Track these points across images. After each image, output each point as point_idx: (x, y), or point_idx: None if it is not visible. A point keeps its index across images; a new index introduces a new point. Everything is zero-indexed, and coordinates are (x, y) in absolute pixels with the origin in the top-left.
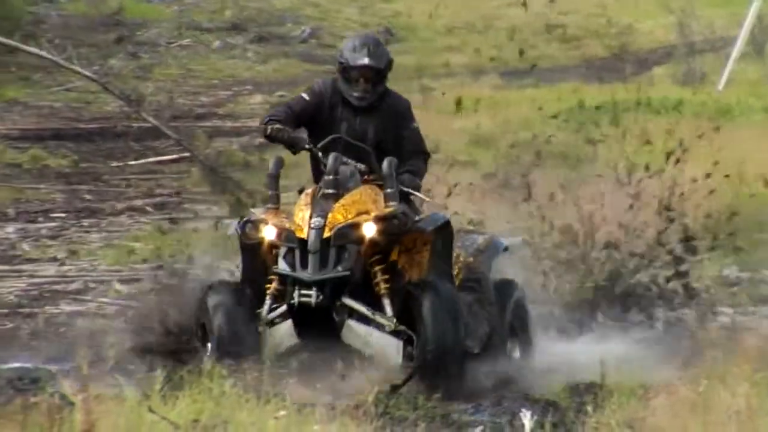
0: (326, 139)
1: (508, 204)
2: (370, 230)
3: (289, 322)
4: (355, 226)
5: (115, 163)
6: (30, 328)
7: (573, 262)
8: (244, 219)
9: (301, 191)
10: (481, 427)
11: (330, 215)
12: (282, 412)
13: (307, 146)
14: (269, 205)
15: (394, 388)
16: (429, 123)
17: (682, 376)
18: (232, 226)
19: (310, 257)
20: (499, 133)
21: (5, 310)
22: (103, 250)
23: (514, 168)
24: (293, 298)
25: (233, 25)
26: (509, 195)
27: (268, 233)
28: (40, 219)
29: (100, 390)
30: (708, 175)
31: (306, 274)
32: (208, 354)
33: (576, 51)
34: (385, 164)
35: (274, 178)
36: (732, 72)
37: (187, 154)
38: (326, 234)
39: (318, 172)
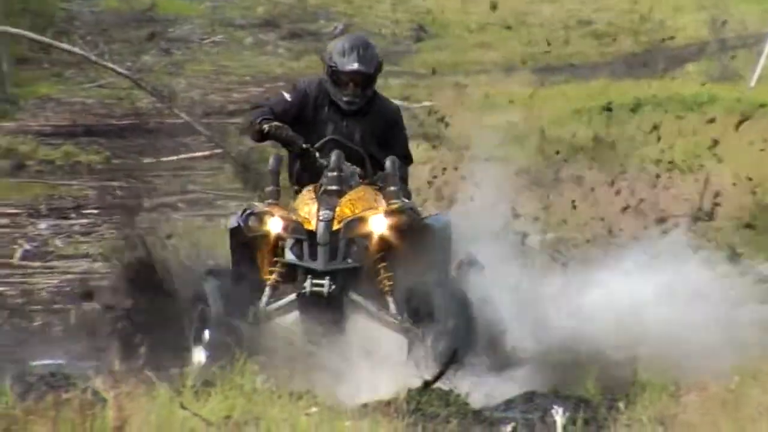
0: (322, 140)
1: (540, 199)
2: (379, 224)
3: (295, 314)
4: (365, 219)
5: (147, 160)
6: (62, 324)
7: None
8: (247, 211)
9: (298, 191)
10: (513, 424)
11: (338, 209)
12: (313, 409)
13: (304, 146)
14: (269, 201)
15: (426, 385)
16: (461, 119)
17: (713, 373)
18: (232, 218)
19: (320, 249)
20: (531, 130)
21: (38, 307)
22: None
23: (546, 164)
24: (304, 288)
25: (266, 21)
26: (541, 191)
27: (274, 225)
28: (73, 215)
29: (132, 386)
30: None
31: (317, 264)
32: (204, 343)
33: (608, 47)
34: (388, 163)
35: (275, 174)
36: (764, 68)
37: (219, 151)
38: (335, 227)
39: (309, 172)
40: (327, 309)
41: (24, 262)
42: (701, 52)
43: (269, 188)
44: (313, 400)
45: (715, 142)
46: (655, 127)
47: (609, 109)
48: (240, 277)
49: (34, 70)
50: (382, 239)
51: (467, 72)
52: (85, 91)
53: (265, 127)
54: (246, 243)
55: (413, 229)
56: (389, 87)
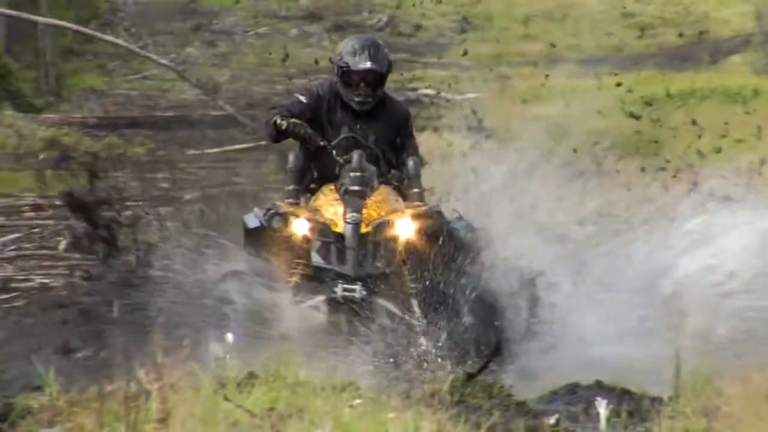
0: (339, 138)
1: (583, 191)
2: (407, 227)
3: (322, 316)
4: (392, 223)
5: (191, 152)
6: (106, 316)
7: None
8: (270, 212)
9: (312, 191)
10: (556, 416)
11: (364, 211)
12: (357, 401)
13: (321, 143)
14: (289, 200)
15: (470, 377)
16: (505, 111)
17: (757, 365)
18: (252, 218)
19: (349, 252)
20: (575, 122)
21: (82, 299)
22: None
23: (590, 156)
24: (334, 293)
25: (309, 13)
26: (584, 182)
27: (300, 227)
28: (117, 207)
29: (176, 378)
30: None
31: (348, 269)
32: (227, 341)
33: (652, 39)
34: (411, 164)
35: (296, 173)
36: None
37: (263, 143)
38: (364, 229)
39: (327, 171)
40: (355, 312)
41: (67, 254)
42: (746, 44)
43: (289, 188)
44: (357, 392)
45: (759, 130)
46: (694, 122)
47: (650, 104)
48: (261, 277)
49: (79, 62)
50: (408, 242)
51: (511, 64)
52: (129, 83)
53: (283, 123)
54: (264, 242)
55: (438, 233)
56: (431, 78)
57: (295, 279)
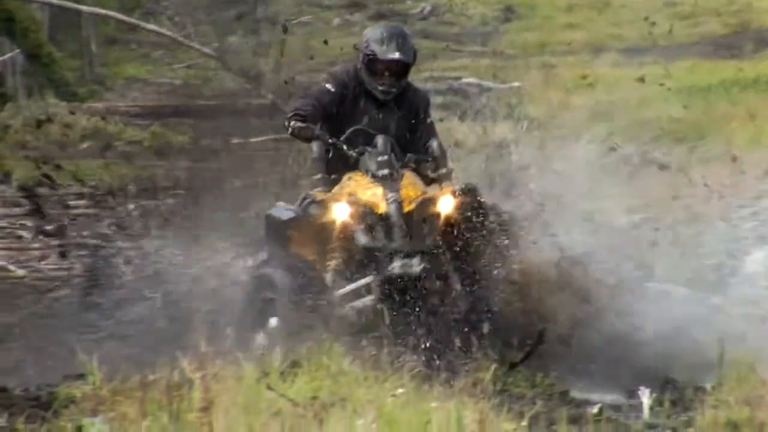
0: (347, 132)
1: (627, 179)
2: (447, 204)
3: (369, 298)
4: (434, 199)
5: (234, 140)
6: (150, 306)
7: (694, 237)
8: (306, 200)
9: (335, 180)
10: (599, 405)
11: (402, 191)
12: (400, 390)
13: (330, 141)
14: (319, 189)
15: (512, 366)
16: (549, 99)
17: None
18: (282, 211)
19: (397, 230)
20: (618, 110)
21: (125, 289)
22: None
23: (633, 144)
24: (390, 270)
25: (353, 2)
26: (628, 171)
27: (341, 212)
28: (160, 196)
29: (219, 367)
30: None
31: (403, 245)
32: (269, 329)
33: (695, 28)
34: (435, 145)
35: (322, 161)
36: None
37: None
38: (407, 208)
39: (342, 163)
40: (404, 290)
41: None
42: None
43: (317, 176)
44: (399, 381)
45: None
46: (725, 117)
47: (694, 93)
48: (299, 266)
49: (122, 51)
50: (447, 219)
51: (554, 53)
52: (173, 72)
53: (290, 128)
54: (296, 235)
55: (479, 209)
56: (475, 67)
57: (334, 267)
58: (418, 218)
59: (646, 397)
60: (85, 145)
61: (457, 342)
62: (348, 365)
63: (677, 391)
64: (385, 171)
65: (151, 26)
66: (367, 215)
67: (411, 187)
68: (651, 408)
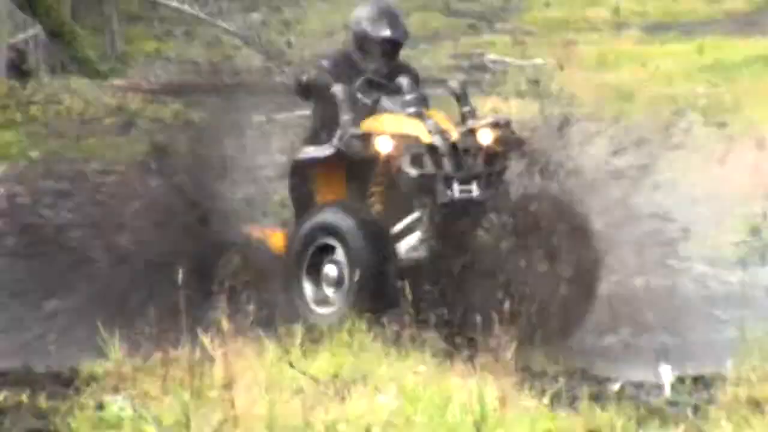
0: (358, 81)
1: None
2: (487, 136)
3: (416, 234)
4: (475, 130)
5: (257, 118)
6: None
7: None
8: (348, 135)
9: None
10: (620, 382)
11: (440, 124)
12: (421, 367)
13: (344, 88)
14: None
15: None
16: (571, 77)
17: None
18: (315, 151)
19: (448, 158)
20: (641, 88)
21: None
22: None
23: (656, 122)
24: (449, 196)
25: None
26: (648, 149)
27: (384, 145)
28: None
29: (240, 345)
30: None
31: (459, 172)
32: (329, 278)
33: (718, 5)
34: (455, 84)
35: (347, 102)
36: None
37: None
38: (452, 138)
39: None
40: (454, 220)
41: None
42: None
43: (346, 117)
44: (421, 358)
45: None
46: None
47: (718, 69)
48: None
49: (144, 28)
50: (488, 150)
51: (577, 29)
52: (195, 49)
53: (303, 78)
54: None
55: (517, 141)
56: (496, 44)
57: (378, 205)
58: (463, 147)
59: (667, 374)
60: (107, 122)
61: (478, 318)
62: (369, 342)
63: (699, 368)
64: (413, 108)
65: (174, 3)
66: (413, 146)
67: (443, 122)
68: (672, 385)
